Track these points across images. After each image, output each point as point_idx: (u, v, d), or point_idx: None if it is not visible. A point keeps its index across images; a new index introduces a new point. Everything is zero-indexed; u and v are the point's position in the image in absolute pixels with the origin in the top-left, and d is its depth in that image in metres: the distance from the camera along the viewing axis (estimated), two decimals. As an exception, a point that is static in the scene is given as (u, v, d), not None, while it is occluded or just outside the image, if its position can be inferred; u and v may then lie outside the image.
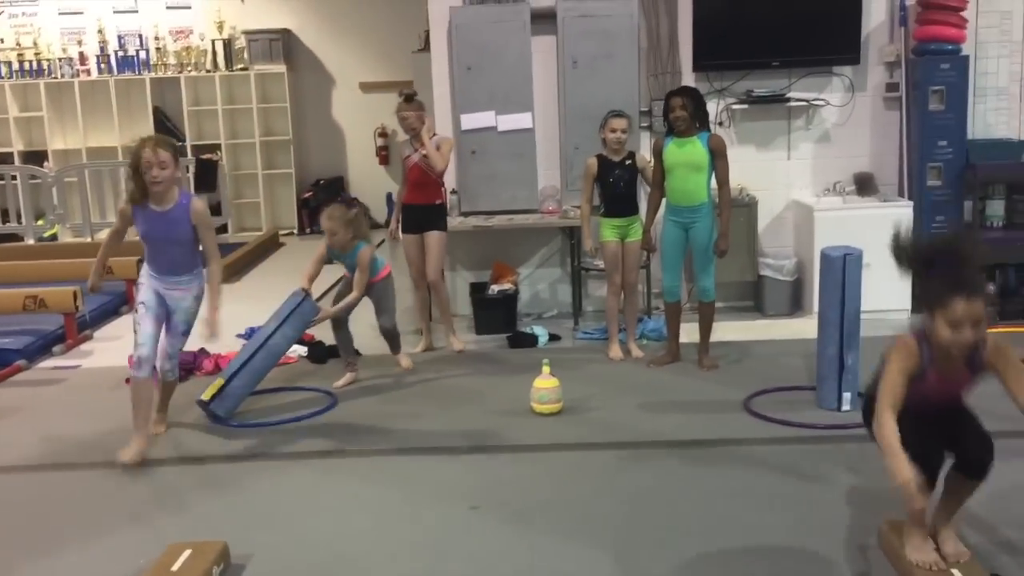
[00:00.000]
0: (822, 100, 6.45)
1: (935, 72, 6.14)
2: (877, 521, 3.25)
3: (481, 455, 4.24)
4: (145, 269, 4.38)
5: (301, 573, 3.24)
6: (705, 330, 5.33)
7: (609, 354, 5.55)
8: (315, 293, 5.29)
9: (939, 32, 6.12)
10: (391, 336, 5.45)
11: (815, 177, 6.57)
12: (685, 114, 5.03)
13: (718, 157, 5.08)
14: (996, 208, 6.38)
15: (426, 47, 7.30)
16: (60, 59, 10.64)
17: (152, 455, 4.34)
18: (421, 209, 5.68)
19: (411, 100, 5.60)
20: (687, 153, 5.06)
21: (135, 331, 4.28)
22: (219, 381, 4.77)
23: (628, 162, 5.44)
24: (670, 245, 5.26)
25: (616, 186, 5.42)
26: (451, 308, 6.20)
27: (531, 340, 5.95)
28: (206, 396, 4.73)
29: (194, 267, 4.38)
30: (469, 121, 6.39)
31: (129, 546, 3.44)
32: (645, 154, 6.31)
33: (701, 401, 4.80)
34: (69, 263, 7.51)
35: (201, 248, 4.35)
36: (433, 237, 5.68)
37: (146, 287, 4.34)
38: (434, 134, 5.72)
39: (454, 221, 6.32)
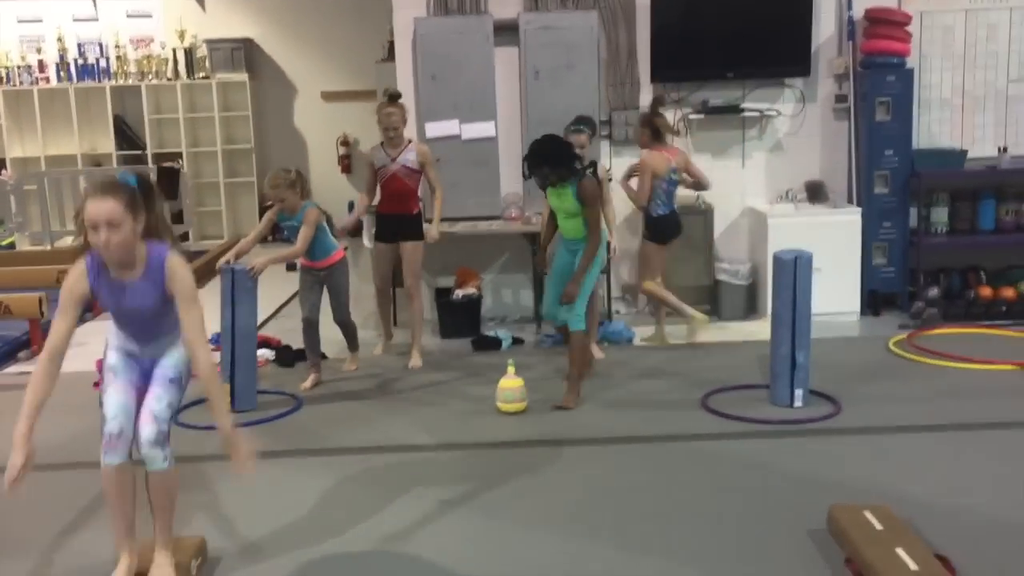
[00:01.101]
0: (774, 111, 6.68)
1: (881, 84, 6.40)
2: (826, 507, 3.43)
3: (448, 452, 4.36)
4: (110, 328, 3.25)
5: (276, 565, 3.34)
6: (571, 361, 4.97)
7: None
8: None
9: (885, 46, 6.38)
10: (346, 329, 5.50)
11: (768, 185, 6.80)
12: (549, 175, 4.88)
13: (585, 204, 4.84)
14: (940, 215, 6.64)
15: (390, 57, 7.42)
16: (19, 67, 10.59)
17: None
18: (398, 218, 5.62)
19: (395, 99, 5.55)
20: (561, 200, 4.94)
21: (101, 404, 3.21)
22: (225, 386, 4.86)
23: (588, 171, 5.57)
24: (556, 270, 5.13)
25: None
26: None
27: (495, 343, 6.09)
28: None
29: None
30: (433, 129, 6.52)
31: (107, 543, 3.50)
32: (606, 163, 6.51)
33: (661, 400, 4.97)
34: (29, 270, 7.50)
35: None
36: (410, 246, 5.64)
37: (112, 349, 3.27)
38: (410, 140, 5.68)
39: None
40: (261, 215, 10.69)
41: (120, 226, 2.89)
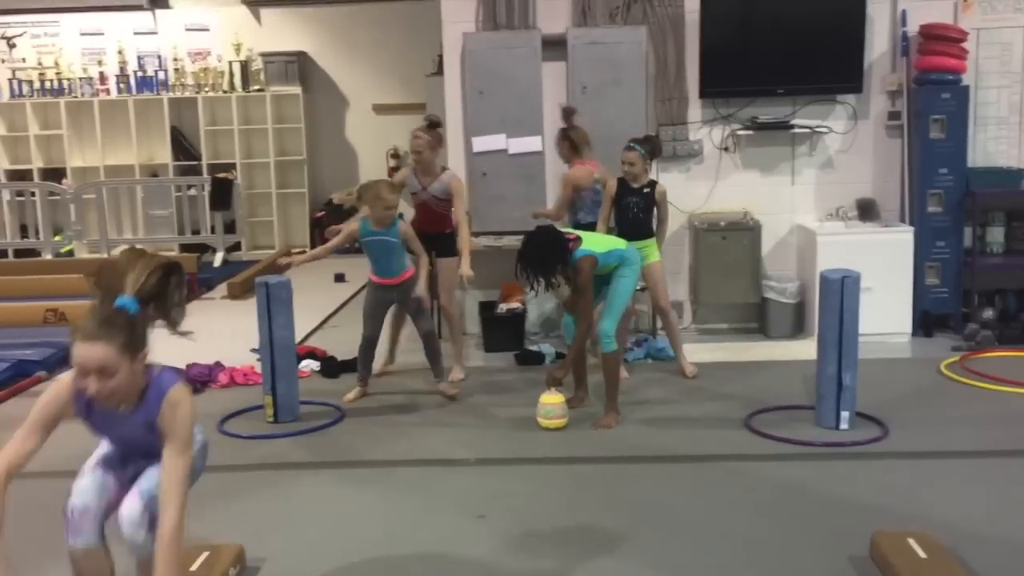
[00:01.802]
0: (825, 127, 6.60)
1: (936, 101, 6.28)
2: (868, 532, 3.36)
3: (488, 467, 4.37)
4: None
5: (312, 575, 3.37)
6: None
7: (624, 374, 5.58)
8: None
9: (940, 63, 6.27)
10: (430, 343, 5.32)
11: (818, 202, 6.71)
12: (544, 282, 4.81)
13: (577, 291, 4.82)
14: (996, 235, 6.50)
15: (439, 71, 7.48)
16: (80, 79, 10.87)
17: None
18: (431, 238, 5.57)
19: (434, 126, 5.56)
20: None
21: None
22: (267, 398, 4.96)
23: (646, 190, 5.54)
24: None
25: (630, 210, 5.54)
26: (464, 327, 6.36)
27: (538, 358, 6.08)
28: (269, 417, 4.97)
29: None
30: (480, 144, 6.55)
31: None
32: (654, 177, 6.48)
33: (704, 418, 4.92)
34: (86, 278, 7.69)
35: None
36: (445, 263, 5.66)
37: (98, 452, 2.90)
38: (444, 168, 5.67)
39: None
40: (312, 226, 11.00)
41: (114, 373, 2.44)
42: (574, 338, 4.91)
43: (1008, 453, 4.35)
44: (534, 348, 6.21)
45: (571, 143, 5.72)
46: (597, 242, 4.89)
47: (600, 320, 4.90)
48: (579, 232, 4.96)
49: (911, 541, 3.21)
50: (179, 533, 2.52)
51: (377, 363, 5.73)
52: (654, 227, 5.63)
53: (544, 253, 4.73)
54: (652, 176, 5.70)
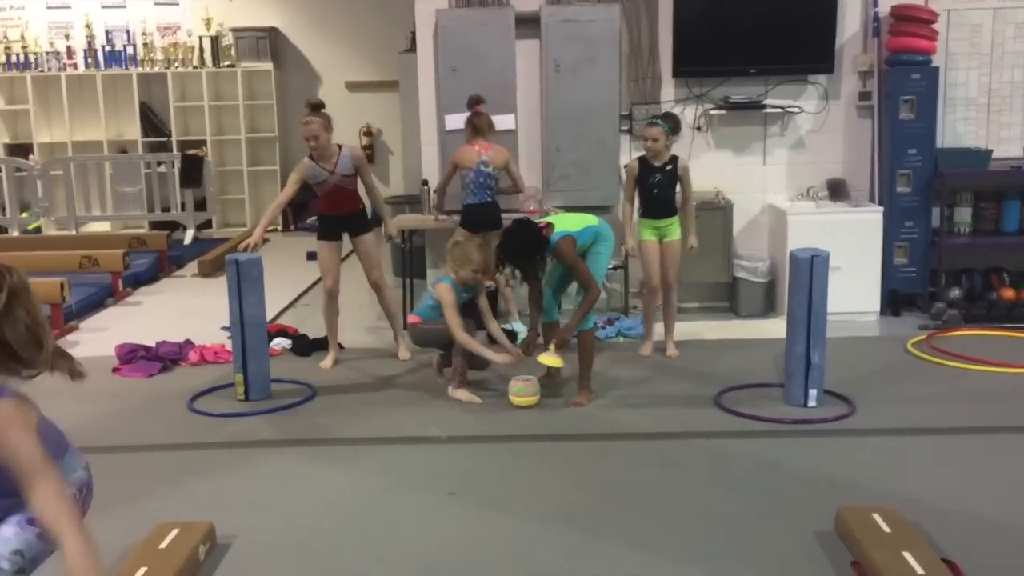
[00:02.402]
0: (797, 107, 6.63)
1: (906, 82, 6.33)
2: (835, 508, 3.41)
3: (460, 445, 4.38)
4: None
5: (283, 552, 3.37)
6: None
7: (641, 351, 5.65)
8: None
9: (911, 44, 6.31)
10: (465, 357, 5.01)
11: (789, 182, 6.75)
12: (528, 268, 4.86)
13: (568, 263, 4.83)
14: (964, 215, 6.57)
15: (412, 48, 7.43)
16: (47, 53, 10.69)
17: (141, 441, 4.46)
18: (344, 218, 5.50)
19: (317, 108, 5.43)
20: (555, 269, 5.00)
21: None
22: (238, 376, 4.94)
23: (669, 167, 5.55)
24: (554, 275, 5.10)
25: (654, 189, 5.55)
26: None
27: (510, 336, 6.06)
28: (240, 395, 4.95)
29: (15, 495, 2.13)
30: (453, 122, 6.50)
31: (118, 526, 3.55)
32: (626, 158, 6.49)
33: (674, 396, 4.96)
34: (54, 255, 7.62)
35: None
36: (367, 239, 5.56)
37: None
38: (339, 146, 5.46)
39: (442, 218, 6.45)
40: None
41: None
42: (581, 304, 4.81)
43: (973, 430, 4.42)
44: (506, 327, 6.20)
45: (473, 127, 5.89)
46: (570, 223, 4.90)
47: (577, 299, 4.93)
48: (549, 218, 4.97)
49: (876, 516, 3.26)
50: (88, 556, 2.01)
51: (327, 360, 5.64)
52: (678, 205, 5.63)
53: (522, 246, 4.76)
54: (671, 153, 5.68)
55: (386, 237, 5.83)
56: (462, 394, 4.92)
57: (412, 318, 5.21)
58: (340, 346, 5.74)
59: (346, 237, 5.60)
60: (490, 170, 5.84)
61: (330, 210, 5.53)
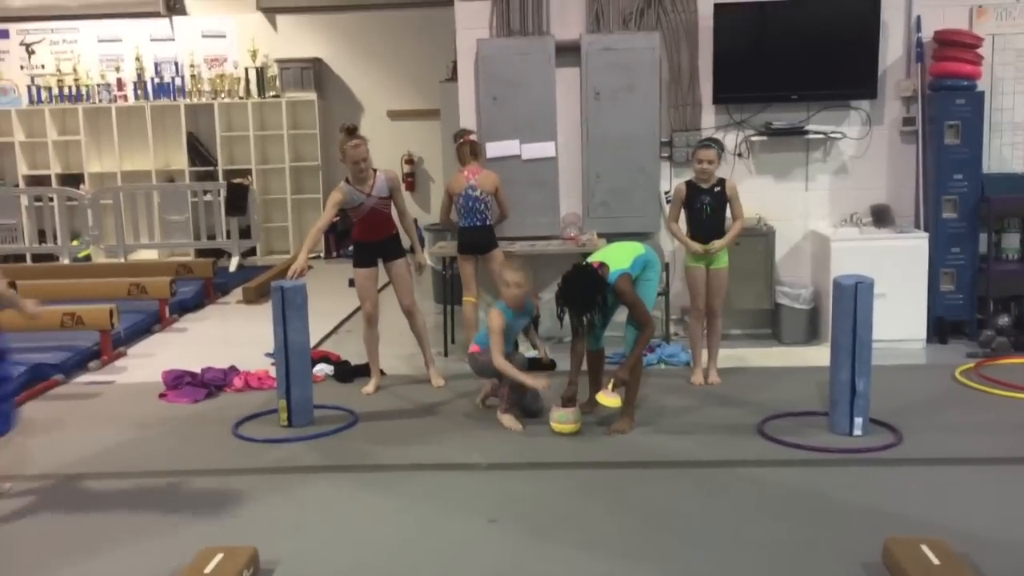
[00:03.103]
0: (839, 133, 6.59)
1: (951, 107, 6.27)
2: (882, 539, 3.35)
3: (500, 472, 4.38)
4: None
5: (326, 579, 3.39)
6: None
7: (692, 380, 5.61)
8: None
9: (955, 68, 6.25)
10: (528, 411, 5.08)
11: (832, 208, 6.70)
12: (593, 313, 4.86)
13: (628, 303, 4.85)
14: (1012, 241, 6.47)
15: (454, 77, 7.51)
16: (98, 85, 10.98)
17: (186, 467, 4.51)
18: (380, 244, 5.56)
19: (355, 132, 5.52)
20: (613, 307, 5.01)
21: None
22: (282, 402, 4.99)
23: (717, 189, 5.57)
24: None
25: (702, 212, 5.56)
26: (475, 330, 6.36)
27: (535, 365, 5.99)
28: (283, 421, 5.00)
29: None
30: (494, 149, 6.57)
31: (163, 550, 3.60)
32: (667, 185, 6.50)
33: (717, 424, 4.91)
34: (103, 282, 7.77)
35: None
36: (400, 264, 5.61)
37: None
38: (375, 169, 5.53)
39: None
40: (327, 231, 10.99)
41: None
42: (635, 342, 4.85)
43: (1023, 460, 4.32)
44: (530, 355, 6.15)
45: (458, 156, 6.18)
46: (619, 258, 4.90)
47: (626, 326, 4.93)
48: (598, 255, 4.98)
49: (924, 548, 3.20)
50: None
51: (369, 385, 5.72)
52: (726, 228, 5.61)
53: (584, 290, 4.75)
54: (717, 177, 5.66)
55: (416, 267, 5.72)
56: (507, 420, 4.93)
57: (473, 347, 5.23)
58: (382, 372, 5.78)
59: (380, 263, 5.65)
60: (478, 194, 6.01)
61: (364, 236, 5.58)
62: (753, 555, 3.45)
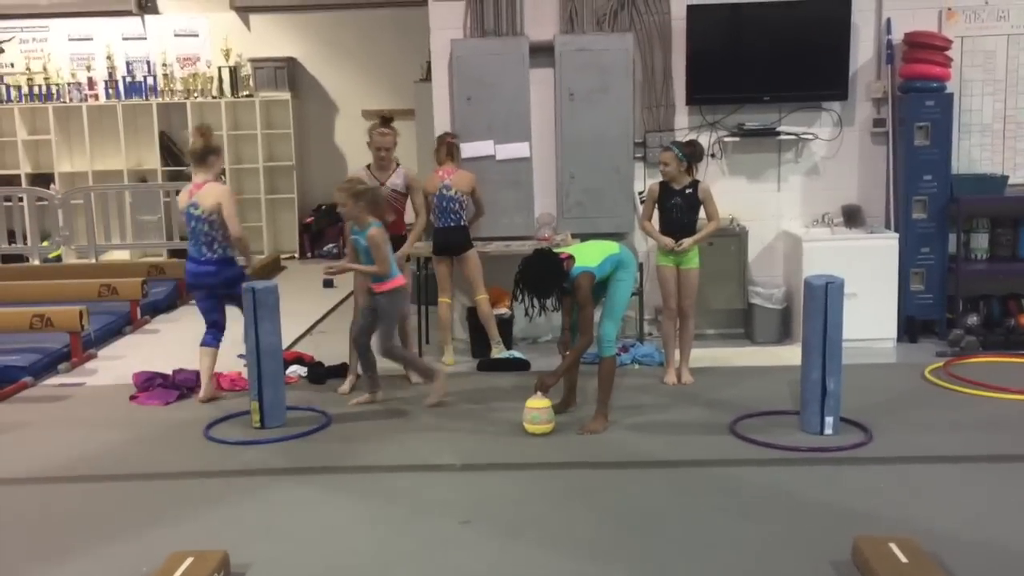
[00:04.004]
0: (811, 134, 6.64)
1: (920, 109, 6.33)
2: (851, 537, 3.38)
3: (473, 473, 4.37)
4: None
5: (298, 582, 3.37)
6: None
7: (664, 379, 5.64)
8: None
9: (925, 70, 6.31)
10: (393, 356, 5.37)
11: (804, 208, 6.74)
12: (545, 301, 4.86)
13: (580, 304, 4.84)
14: (980, 241, 6.54)
15: (428, 77, 7.49)
16: (69, 84, 10.85)
17: (157, 469, 4.48)
18: (391, 240, 5.45)
19: (389, 122, 5.69)
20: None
21: None
22: (254, 404, 4.97)
23: (689, 190, 5.59)
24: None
25: (673, 212, 5.59)
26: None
27: (504, 365, 6.03)
28: (256, 423, 4.97)
29: None
30: (469, 150, 6.56)
31: (132, 554, 3.57)
32: (640, 185, 6.52)
33: (688, 424, 4.94)
34: (74, 283, 7.68)
35: None
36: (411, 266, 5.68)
37: None
38: (397, 164, 5.72)
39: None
40: (301, 232, 11.00)
41: None
42: (572, 350, 4.92)
43: (992, 458, 4.38)
44: (502, 356, 6.17)
45: (436, 155, 6.23)
46: (589, 255, 4.90)
47: (600, 324, 4.93)
48: (569, 249, 4.98)
49: (893, 546, 3.23)
50: None
51: (344, 386, 5.72)
52: (698, 229, 5.64)
53: (542, 277, 4.76)
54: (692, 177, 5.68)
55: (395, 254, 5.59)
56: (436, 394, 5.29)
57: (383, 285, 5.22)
58: (358, 376, 5.77)
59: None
60: (452, 193, 6.04)
61: None
62: (724, 554, 3.47)
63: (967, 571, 3.23)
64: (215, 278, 5.47)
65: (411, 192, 5.75)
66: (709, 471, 4.30)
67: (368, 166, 5.75)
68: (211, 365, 5.55)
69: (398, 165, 5.71)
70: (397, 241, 5.57)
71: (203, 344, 5.57)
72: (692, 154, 5.67)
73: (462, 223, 6.12)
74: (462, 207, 6.08)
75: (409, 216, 5.90)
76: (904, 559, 3.14)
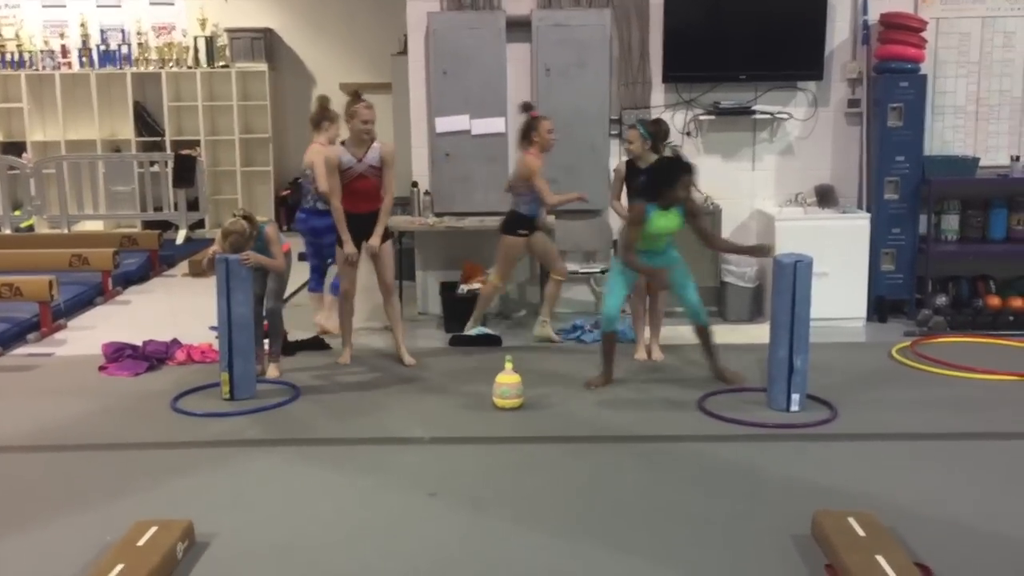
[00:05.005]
0: (786, 114, 6.66)
1: (894, 90, 6.36)
2: (812, 512, 3.43)
3: (442, 446, 4.39)
4: None
5: (262, 551, 3.38)
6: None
7: (635, 356, 5.67)
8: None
9: (899, 51, 6.34)
10: (274, 321, 5.40)
11: (778, 188, 6.77)
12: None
13: (691, 213, 5.09)
14: (951, 222, 6.60)
15: (405, 50, 7.44)
16: (42, 51, 10.70)
17: (124, 440, 4.47)
18: (366, 218, 5.45)
19: (360, 97, 5.53)
20: (668, 219, 5.07)
21: None
22: (224, 375, 4.95)
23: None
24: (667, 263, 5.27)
25: (639, 190, 5.57)
26: (420, 307, 6.37)
27: (474, 341, 6.04)
28: (225, 394, 4.95)
29: None
30: (444, 124, 6.54)
31: (97, 523, 3.56)
32: (616, 162, 6.52)
33: (657, 400, 4.98)
34: (45, 253, 7.62)
35: None
36: (385, 246, 5.54)
37: None
38: (373, 139, 5.48)
39: (428, 220, 6.51)
40: (277, 204, 10.93)
41: None
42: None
43: (953, 435, 4.44)
44: (473, 332, 6.18)
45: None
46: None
47: (690, 293, 5.23)
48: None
49: (851, 520, 3.27)
50: None
51: (344, 355, 5.73)
52: None
53: (673, 166, 5.07)
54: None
55: (366, 246, 5.52)
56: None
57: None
58: (327, 345, 5.78)
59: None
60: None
61: (348, 207, 5.44)
62: (688, 527, 3.51)
63: (924, 545, 3.28)
64: (304, 224, 6.21)
65: (384, 167, 5.48)
66: (676, 446, 4.33)
67: (343, 142, 5.55)
68: (324, 309, 6.26)
69: (373, 140, 5.53)
70: (369, 221, 5.46)
71: (309, 290, 6.44)
72: (656, 132, 5.67)
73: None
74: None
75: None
76: (862, 532, 3.19)
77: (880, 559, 2.99)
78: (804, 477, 3.94)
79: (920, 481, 3.92)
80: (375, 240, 5.49)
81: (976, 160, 6.52)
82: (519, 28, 6.51)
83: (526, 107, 5.96)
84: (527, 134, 5.84)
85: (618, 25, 6.55)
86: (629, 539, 3.43)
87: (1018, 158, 6.52)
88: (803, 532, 3.40)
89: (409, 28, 6.70)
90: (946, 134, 6.66)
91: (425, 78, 6.64)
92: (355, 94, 5.56)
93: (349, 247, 5.46)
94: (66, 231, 9.63)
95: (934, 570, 3.06)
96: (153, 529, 3.27)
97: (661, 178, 5.00)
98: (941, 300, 6.45)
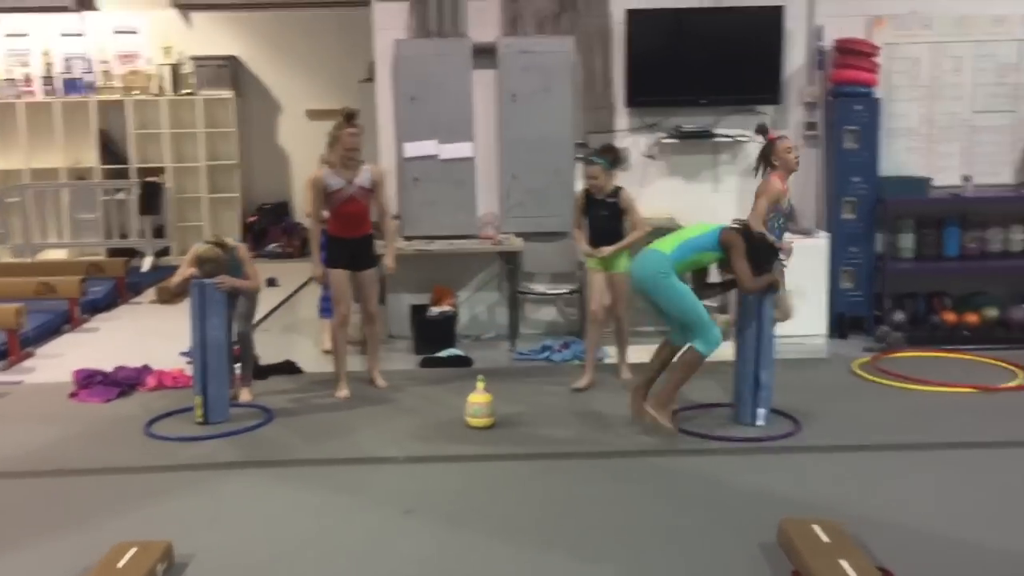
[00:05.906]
0: (746, 136, 6.82)
1: (850, 113, 6.56)
2: (778, 521, 3.53)
3: (416, 465, 4.45)
4: None
5: (240, 571, 3.42)
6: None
7: (577, 383, 5.58)
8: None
9: (853, 76, 6.55)
10: (245, 345, 5.41)
11: (739, 208, 6.90)
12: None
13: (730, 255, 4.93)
14: (906, 241, 6.79)
15: (372, 77, 7.54)
16: (5, 80, 10.65)
17: (98, 465, 4.47)
18: (356, 242, 5.44)
19: (354, 118, 5.40)
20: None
21: None
22: (197, 399, 4.97)
23: (611, 200, 5.58)
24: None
25: (598, 220, 5.61)
26: (391, 329, 6.43)
27: (443, 362, 6.12)
28: (199, 418, 4.96)
29: None
30: (412, 149, 6.64)
31: (76, 546, 3.58)
32: (580, 186, 6.64)
33: (625, 417, 5.05)
34: (10, 282, 7.58)
35: None
36: (369, 273, 5.52)
37: None
38: (362, 161, 5.44)
39: (399, 244, 6.58)
40: (244, 231, 10.94)
41: None
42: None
43: (913, 446, 4.58)
44: (442, 354, 6.25)
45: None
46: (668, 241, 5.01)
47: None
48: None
49: (816, 527, 3.38)
50: None
51: (342, 391, 5.58)
52: (625, 235, 5.62)
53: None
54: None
55: (386, 268, 5.60)
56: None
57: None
58: (299, 369, 5.81)
59: None
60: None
61: (339, 231, 5.40)
62: (658, 539, 3.61)
63: (886, 551, 3.39)
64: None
65: (377, 189, 5.45)
66: (646, 461, 4.43)
67: (329, 164, 5.48)
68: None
69: (362, 163, 5.45)
70: (359, 246, 5.46)
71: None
72: (616, 160, 5.68)
73: None
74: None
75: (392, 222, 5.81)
76: (826, 539, 3.30)
77: (844, 564, 3.09)
78: (770, 488, 4.05)
79: (883, 490, 4.05)
80: (390, 261, 5.56)
81: (929, 180, 6.73)
82: (485, 55, 6.64)
83: (761, 129, 5.64)
84: (766, 158, 5.55)
85: (582, 52, 6.70)
86: (601, 551, 3.51)
87: (969, 178, 6.73)
88: (770, 540, 3.50)
89: (377, 55, 6.80)
90: (900, 155, 6.87)
91: (393, 104, 6.73)
92: (347, 116, 5.40)
93: (317, 270, 5.50)
94: (30, 260, 9.56)
95: (896, 574, 3.17)
96: (132, 550, 3.30)
97: (762, 258, 4.90)
98: (899, 316, 6.63)
